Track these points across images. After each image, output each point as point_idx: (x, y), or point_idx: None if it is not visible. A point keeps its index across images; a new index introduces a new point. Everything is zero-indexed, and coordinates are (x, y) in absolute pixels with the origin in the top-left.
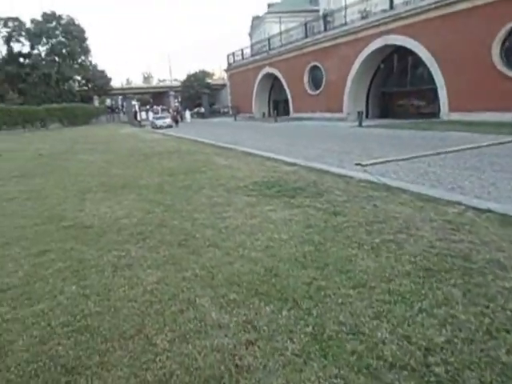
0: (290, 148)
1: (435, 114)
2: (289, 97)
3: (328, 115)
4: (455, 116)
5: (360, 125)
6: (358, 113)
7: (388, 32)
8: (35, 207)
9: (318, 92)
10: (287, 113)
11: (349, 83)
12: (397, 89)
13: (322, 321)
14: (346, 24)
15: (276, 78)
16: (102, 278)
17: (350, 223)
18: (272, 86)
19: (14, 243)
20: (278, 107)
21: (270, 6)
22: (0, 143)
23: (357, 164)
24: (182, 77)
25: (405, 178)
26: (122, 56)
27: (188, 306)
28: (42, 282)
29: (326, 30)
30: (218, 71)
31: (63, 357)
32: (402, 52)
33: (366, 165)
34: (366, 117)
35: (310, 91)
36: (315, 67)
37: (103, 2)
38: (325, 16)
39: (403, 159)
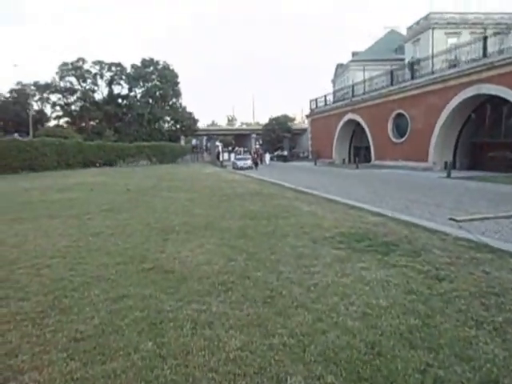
0: (373, 197)
1: None
2: (371, 144)
3: (412, 164)
4: None
5: (448, 176)
6: (446, 163)
7: (481, 81)
8: (119, 244)
9: (402, 140)
10: (368, 160)
11: (436, 132)
12: (489, 139)
13: None
14: (433, 72)
15: (358, 125)
16: (180, 336)
17: (459, 292)
18: (353, 132)
19: (95, 283)
20: (359, 154)
21: (354, 54)
22: (93, 177)
23: (450, 219)
24: (263, 119)
25: (510, 239)
26: (208, 97)
27: None
28: (117, 335)
29: (413, 78)
30: (298, 116)
31: None
32: (496, 101)
33: (462, 221)
34: (454, 167)
35: (393, 139)
36: (400, 115)
37: (193, 46)
38: (412, 64)
39: (505, 217)
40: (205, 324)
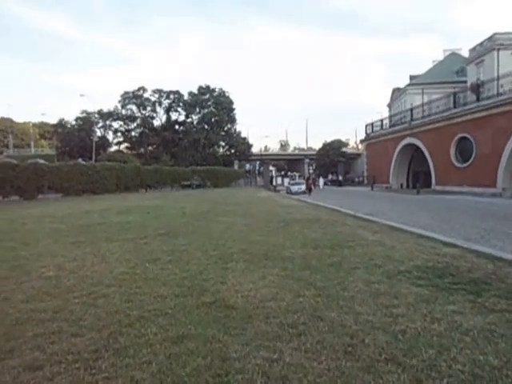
0: (442, 225)
1: None
2: (431, 168)
3: (478, 190)
4: None
5: None
6: None
7: None
8: (176, 273)
9: (466, 165)
10: (428, 185)
11: (505, 156)
12: None
13: None
14: (500, 94)
15: (417, 149)
16: None
17: None
18: (412, 156)
19: (152, 319)
20: (418, 179)
21: (412, 77)
22: (150, 201)
23: None
24: (315, 144)
25: None
26: (261, 122)
27: None
28: None
29: (478, 99)
30: (352, 141)
31: None
32: None
33: None
34: None
35: (456, 163)
36: (463, 138)
37: (246, 72)
38: (477, 86)
39: None
40: (278, 379)
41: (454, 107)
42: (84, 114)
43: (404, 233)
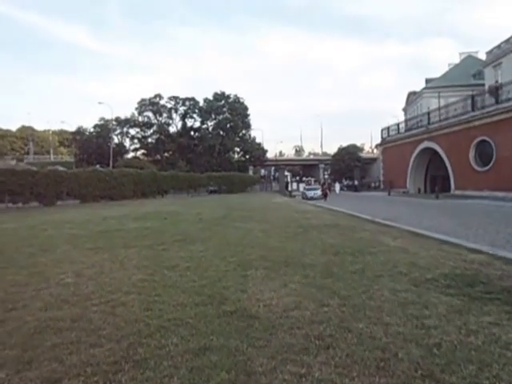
0: (465, 230)
1: None
2: (450, 173)
3: (499, 194)
4: None
5: None
6: None
7: None
8: (195, 280)
9: (486, 168)
10: (446, 189)
11: None
12: None
13: None
14: None
15: (434, 153)
16: None
17: None
18: (429, 160)
19: (172, 329)
20: (436, 183)
21: (428, 81)
22: (167, 206)
23: None
24: (330, 148)
25: None
26: (276, 128)
27: None
28: None
29: (497, 102)
30: (367, 145)
31: None
32: None
33: None
34: None
35: (476, 167)
36: (483, 142)
37: (263, 79)
38: (496, 88)
39: None
40: None
41: (473, 110)
42: (102, 122)
43: (426, 238)
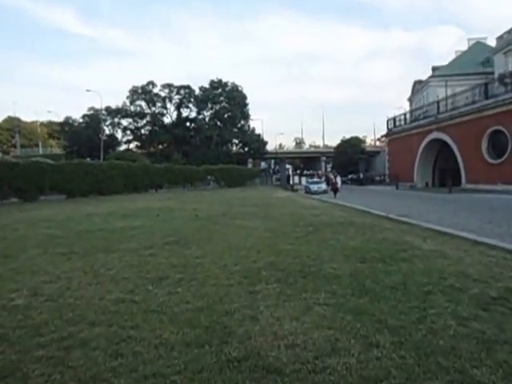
0: (493, 228)
1: None
2: (460, 165)
3: None
4: None
5: None
6: None
7: None
8: (189, 300)
9: (500, 160)
10: (456, 183)
11: None
12: None
13: None
14: None
15: (444, 145)
16: None
17: None
18: (438, 152)
19: None
20: (445, 176)
21: (434, 69)
22: (160, 201)
23: None
24: (331, 141)
25: None
26: (275, 119)
27: None
28: None
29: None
30: (369, 138)
31: None
32: None
33: None
34: None
35: (489, 159)
36: (497, 132)
37: (261, 68)
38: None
39: None
40: None
41: (486, 98)
42: (91, 111)
43: (456, 239)
